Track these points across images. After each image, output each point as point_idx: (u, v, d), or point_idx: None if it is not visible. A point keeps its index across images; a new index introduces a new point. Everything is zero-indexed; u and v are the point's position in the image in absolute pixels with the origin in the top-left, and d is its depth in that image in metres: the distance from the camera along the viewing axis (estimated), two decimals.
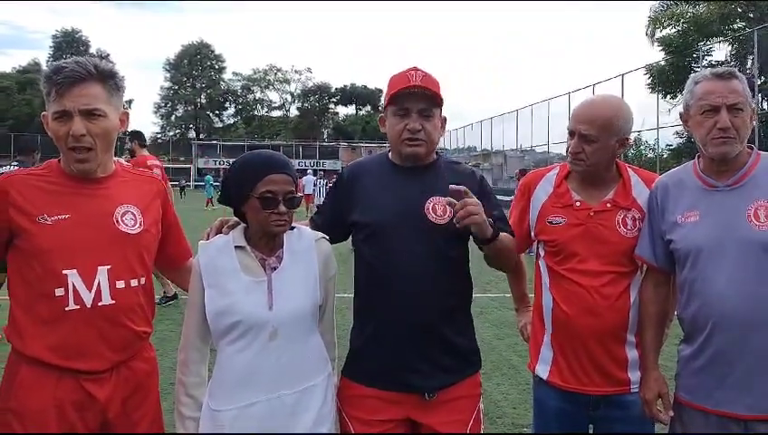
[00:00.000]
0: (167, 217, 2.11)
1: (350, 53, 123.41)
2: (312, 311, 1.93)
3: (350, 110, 67.97)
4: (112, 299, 1.83)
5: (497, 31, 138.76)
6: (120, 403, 1.88)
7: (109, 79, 1.86)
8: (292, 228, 1.96)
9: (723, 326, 1.87)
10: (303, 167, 41.84)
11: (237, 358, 1.82)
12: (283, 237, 1.94)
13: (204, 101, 64.99)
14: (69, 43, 57.62)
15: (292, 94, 66.49)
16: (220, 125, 66.13)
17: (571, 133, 2.14)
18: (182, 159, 56.24)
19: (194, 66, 63.99)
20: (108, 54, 59.29)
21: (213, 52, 64.92)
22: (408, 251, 2.03)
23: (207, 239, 1.98)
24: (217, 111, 66.54)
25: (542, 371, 2.23)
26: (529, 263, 2.43)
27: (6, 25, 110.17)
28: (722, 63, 20.54)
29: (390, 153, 2.19)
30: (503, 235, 2.05)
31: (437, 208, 2.06)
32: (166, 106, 65.09)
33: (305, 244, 1.97)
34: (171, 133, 64.88)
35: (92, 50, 57.57)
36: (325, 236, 2.04)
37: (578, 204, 2.19)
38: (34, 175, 1.88)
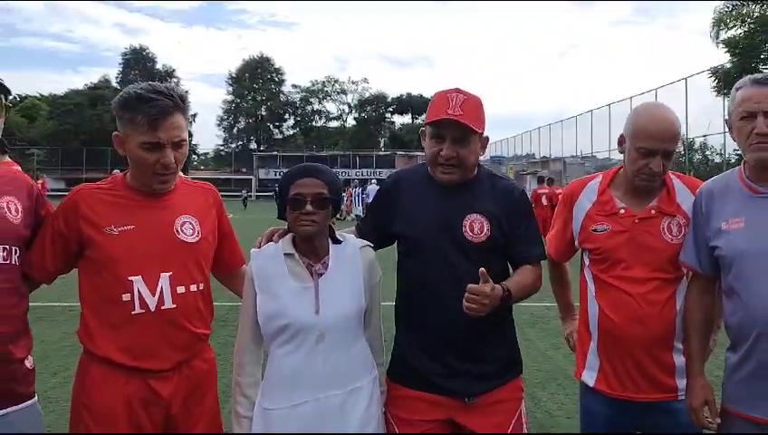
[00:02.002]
0: (222, 226, 2.23)
1: (405, 62, 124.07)
2: (357, 316, 2.00)
3: (407, 119, 68.32)
4: (174, 303, 1.97)
5: (557, 35, 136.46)
6: (182, 400, 2.01)
7: (186, 105, 2.01)
8: (338, 240, 2.05)
9: (767, 335, 1.84)
10: (365, 177, 42.31)
11: (287, 360, 1.92)
12: (329, 245, 2.03)
13: (264, 113, 66.66)
14: (137, 60, 60.44)
15: (349, 105, 67.44)
16: (280, 136, 67.64)
17: (650, 153, 2.09)
18: (244, 170, 57.92)
19: (254, 80, 65.79)
20: (173, 70, 61.92)
21: (273, 65, 66.65)
22: (446, 267, 2.08)
23: (260, 247, 2.09)
24: (277, 123, 68.11)
25: (589, 378, 2.24)
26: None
27: (80, 44, 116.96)
28: None
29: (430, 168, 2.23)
30: (514, 290, 2.06)
31: (474, 226, 2.11)
32: (228, 119, 67.09)
33: (350, 251, 2.06)
34: (233, 145, 66.91)
35: (158, 66, 60.26)
36: (369, 244, 2.12)
37: (622, 211, 2.19)
38: (102, 189, 2.04)
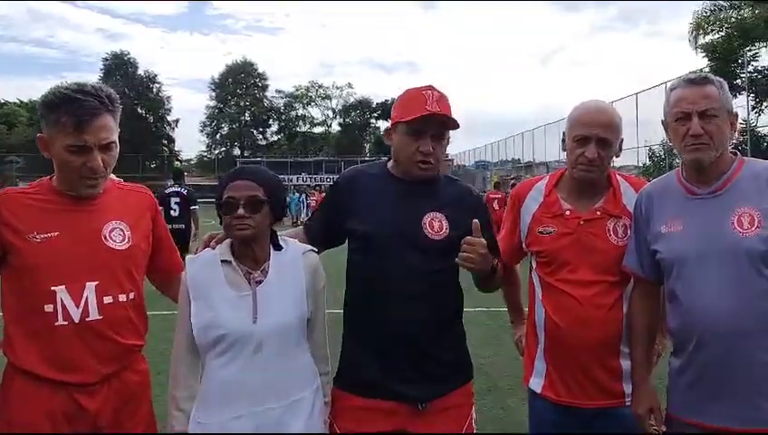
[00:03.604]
0: (157, 232, 2.16)
1: (390, 67, 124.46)
2: (298, 324, 1.94)
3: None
4: (100, 314, 1.89)
5: (540, 40, 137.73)
6: (112, 413, 1.93)
7: (115, 106, 1.93)
8: (279, 247, 1.98)
9: (709, 338, 1.81)
10: None
11: (223, 371, 1.85)
12: (270, 251, 1.97)
13: (248, 118, 66.35)
14: (118, 65, 59.82)
15: (333, 110, 67.07)
16: (264, 142, 67.38)
17: (584, 139, 2.08)
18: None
19: (238, 85, 65.42)
20: (155, 75, 61.39)
21: (256, 70, 66.38)
22: (403, 265, 2.04)
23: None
24: (261, 129, 67.72)
25: (536, 384, 2.20)
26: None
27: (61, 50, 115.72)
28: None
29: (390, 165, 2.20)
30: (498, 269, 2.08)
31: (434, 224, 2.07)
32: (211, 125, 66.64)
33: (291, 257, 1.99)
34: (217, 151, 66.51)
35: (140, 71, 59.70)
36: (313, 248, 2.06)
37: (568, 213, 2.16)
38: (26, 193, 1.95)
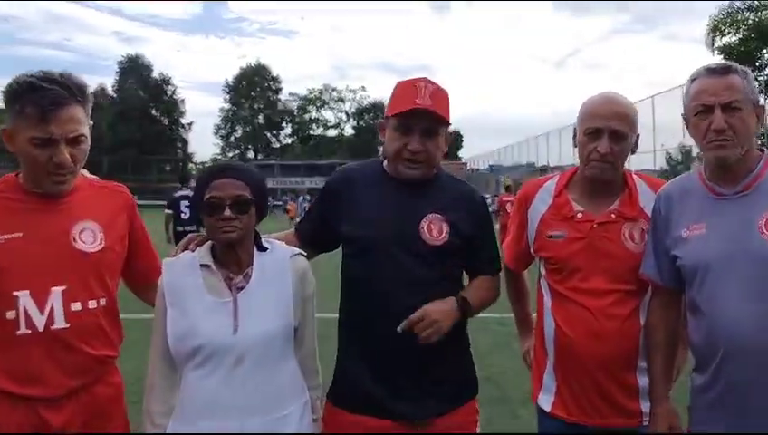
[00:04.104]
0: (135, 233, 2.00)
1: (404, 70, 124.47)
2: (283, 334, 1.78)
3: None
4: (67, 322, 1.74)
5: (555, 44, 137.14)
6: (81, 428, 1.78)
7: (85, 95, 1.78)
8: (264, 248, 1.83)
9: (735, 353, 1.64)
10: None
11: (201, 385, 1.70)
12: (254, 254, 1.81)
13: (261, 121, 66.66)
14: (133, 68, 60.35)
15: (347, 113, 67.17)
16: (277, 145, 67.65)
17: (596, 132, 1.91)
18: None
19: (252, 88, 65.79)
20: (170, 78, 61.86)
21: (270, 73, 66.68)
22: (399, 270, 1.88)
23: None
24: (275, 131, 68.04)
25: (545, 402, 2.03)
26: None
27: (78, 53, 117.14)
28: None
29: (386, 163, 2.04)
30: (472, 301, 1.95)
31: (433, 228, 1.91)
32: (225, 127, 67.07)
33: (277, 261, 1.83)
34: (231, 154, 66.79)
35: (155, 74, 60.14)
36: (302, 252, 1.90)
37: (579, 215, 1.98)
38: None
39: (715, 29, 22.71)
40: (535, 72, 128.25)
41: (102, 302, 1.83)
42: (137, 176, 44.88)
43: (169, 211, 9.32)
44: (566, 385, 1.97)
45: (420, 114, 1.88)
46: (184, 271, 1.78)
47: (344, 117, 67.40)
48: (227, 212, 1.71)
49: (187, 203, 9.03)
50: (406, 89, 1.92)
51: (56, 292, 1.73)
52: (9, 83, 1.73)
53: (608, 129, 1.90)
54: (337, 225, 2.00)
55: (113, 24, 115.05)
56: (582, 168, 2.00)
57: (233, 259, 1.78)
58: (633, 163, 2.10)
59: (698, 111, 1.75)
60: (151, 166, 51.17)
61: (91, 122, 1.85)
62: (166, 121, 61.86)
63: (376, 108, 65.21)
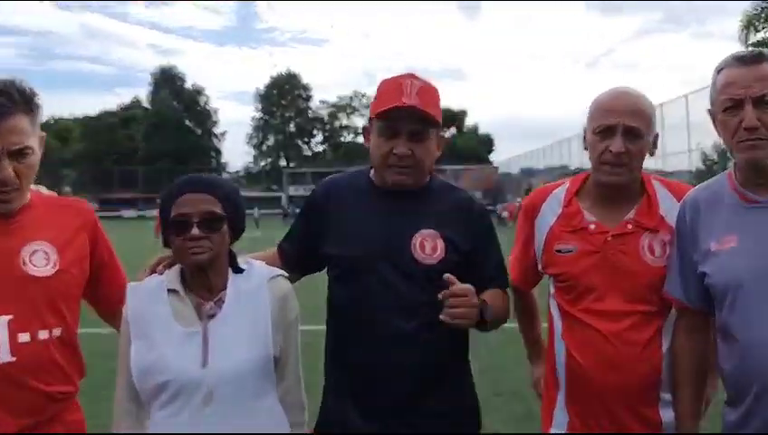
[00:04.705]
0: (98, 254, 1.82)
1: (435, 75, 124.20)
2: (260, 367, 1.57)
3: None
4: (12, 355, 1.55)
5: (586, 45, 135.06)
6: None
7: (32, 104, 1.61)
8: (240, 270, 1.64)
9: None
10: None
11: (167, 426, 1.51)
12: (228, 277, 1.62)
13: (293, 129, 67.29)
14: (166, 79, 61.61)
15: None
16: (309, 153, 68.18)
17: (608, 130, 1.69)
18: (275, 187, 58.23)
19: (282, 96, 66.51)
20: (203, 89, 62.98)
21: (300, 81, 67.31)
22: (388, 294, 1.69)
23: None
24: (306, 139, 68.68)
25: None
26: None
27: (115, 66, 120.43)
28: None
29: (373, 173, 1.85)
30: (493, 310, 1.69)
31: (426, 245, 1.70)
32: (257, 136, 67.90)
33: (254, 284, 1.63)
34: (263, 163, 67.57)
35: (188, 84, 61.27)
36: (283, 273, 1.70)
37: (592, 226, 1.76)
38: None
39: (749, 25, 22.04)
40: (567, 73, 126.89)
41: (56, 332, 1.65)
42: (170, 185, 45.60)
43: None
44: (579, 420, 1.74)
45: (407, 114, 1.68)
46: (150, 298, 1.60)
47: None
48: (195, 231, 1.52)
49: None
50: (390, 87, 1.73)
51: (2, 321, 1.55)
52: None
53: (621, 125, 1.67)
54: (320, 244, 1.81)
55: (149, 37, 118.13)
56: (594, 173, 1.78)
57: (203, 284, 1.60)
58: (668, 164, 1.84)
59: (726, 107, 1.52)
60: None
61: (43, 134, 1.68)
62: (199, 132, 63.06)
63: None
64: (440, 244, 1.71)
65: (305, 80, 66.99)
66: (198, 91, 62.95)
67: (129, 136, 60.13)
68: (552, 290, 1.86)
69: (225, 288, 1.61)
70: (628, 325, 1.68)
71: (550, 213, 1.84)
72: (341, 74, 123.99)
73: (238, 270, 1.64)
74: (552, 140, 41.24)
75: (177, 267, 1.64)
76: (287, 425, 1.63)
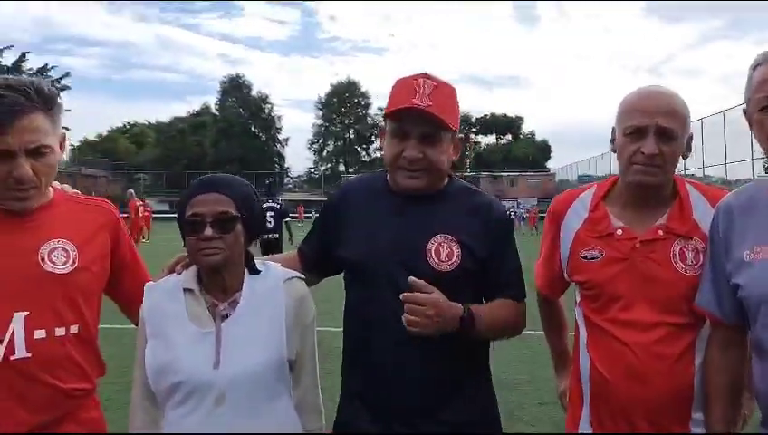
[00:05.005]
0: (119, 252, 1.82)
1: (493, 82, 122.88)
2: (274, 369, 1.55)
3: (491, 139, 67.92)
4: (28, 352, 1.55)
5: (646, 51, 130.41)
6: None
7: (51, 103, 1.61)
8: (256, 271, 1.62)
9: None
10: None
11: (180, 426, 1.50)
12: (244, 278, 1.61)
13: (352, 136, 68.03)
14: (233, 87, 63.59)
15: None
16: (367, 159, 68.72)
17: (639, 131, 1.59)
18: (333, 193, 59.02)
19: (342, 104, 67.38)
20: (267, 96, 64.60)
21: (359, 89, 68.01)
22: (401, 304, 1.60)
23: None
24: (364, 145, 69.27)
25: None
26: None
27: (187, 75, 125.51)
28: None
29: (389, 176, 1.79)
30: (482, 316, 1.61)
31: (441, 251, 1.64)
32: (318, 142, 69.04)
33: (270, 285, 1.61)
34: (323, 168, 68.60)
35: (254, 92, 63.00)
36: (299, 275, 1.67)
37: (619, 232, 1.66)
38: None
39: None
40: (627, 81, 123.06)
41: (73, 329, 1.65)
42: None
43: None
44: None
45: (416, 116, 1.62)
46: (166, 297, 1.60)
47: None
48: (209, 231, 1.51)
49: (272, 213, 10.02)
50: (403, 86, 1.67)
51: (18, 317, 1.55)
52: None
53: (654, 126, 1.57)
54: (336, 247, 1.77)
55: (219, 48, 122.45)
56: (623, 175, 1.68)
57: (218, 284, 1.59)
58: (732, 173, 1.72)
59: (763, 106, 1.41)
60: (251, 180, 53.52)
61: (64, 131, 1.69)
62: (264, 137, 64.65)
63: (462, 120, 65.05)
64: (456, 250, 1.64)
65: (364, 87, 67.66)
66: (263, 99, 64.63)
67: (199, 141, 62.29)
68: (578, 298, 1.77)
69: (241, 289, 1.59)
70: (658, 337, 1.58)
71: (575, 218, 1.75)
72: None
73: (255, 271, 1.63)
74: (609, 147, 40.02)
75: (194, 267, 1.64)
76: (300, 430, 1.61)
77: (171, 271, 1.68)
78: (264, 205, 10.31)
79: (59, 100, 1.64)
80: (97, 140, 69.49)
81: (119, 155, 64.41)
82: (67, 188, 1.83)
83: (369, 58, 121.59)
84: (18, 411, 1.55)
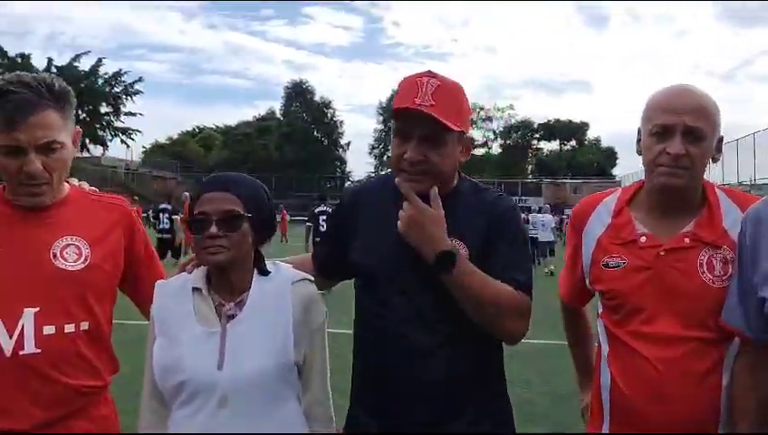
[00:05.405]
0: (134, 250, 1.82)
1: (558, 87, 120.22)
2: (278, 373, 1.52)
3: (554, 145, 66.66)
4: (37, 348, 1.56)
5: (721, 57, 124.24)
6: None
7: (62, 100, 1.62)
8: (266, 272, 1.60)
9: None
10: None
11: (185, 426, 1.49)
12: (253, 278, 1.58)
13: None
14: (297, 92, 64.99)
15: (494, 132, 66.92)
16: None
17: (665, 131, 1.50)
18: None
19: None
20: (330, 102, 65.66)
21: None
22: (409, 307, 1.58)
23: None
24: None
25: None
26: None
27: (255, 80, 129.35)
28: None
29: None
30: (467, 270, 1.50)
31: None
32: (379, 147, 69.53)
33: (278, 287, 1.58)
34: (383, 172, 69.08)
35: (317, 97, 64.17)
36: (308, 276, 1.63)
37: (643, 239, 1.56)
38: None
39: None
40: (700, 86, 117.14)
41: (84, 326, 1.65)
42: (300, 193, 48.01)
43: (309, 224, 10.75)
44: None
45: (416, 117, 1.54)
46: (175, 296, 1.59)
47: (491, 135, 67.46)
48: (214, 229, 1.49)
49: (324, 217, 10.26)
50: (407, 85, 1.60)
51: (28, 313, 1.57)
52: None
53: (681, 125, 1.47)
54: (345, 250, 1.73)
55: (285, 54, 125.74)
56: (649, 178, 1.58)
57: (225, 284, 1.57)
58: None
59: None
60: (313, 184, 54.44)
61: (77, 129, 1.70)
62: (326, 142, 65.74)
63: (524, 126, 64.09)
64: (465, 253, 1.56)
65: None
66: (326, 105, 65.70)
67: (264, 145, 64.01)
68: (600, 309, 1.67)
69: (249, 289, 1.57)
70: (682, 353, 1.47)
71: (598, 223, 1.66)
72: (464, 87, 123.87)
73: (264, 272, 1.61)
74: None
75: (204, 267, 1.62)
76: (308, 430, 1.57)
77: (182, 270, 1.67)
78: (317, 208, 10.82)
79: (71, 97, 1.65)
80: (167, 143, 72.40)
81: (188, 158, 66.94)
82: (84, 185, 1.85)
83: (432, 64, 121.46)
84: (28, 407, 1.56)
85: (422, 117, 1.53)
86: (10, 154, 1.55)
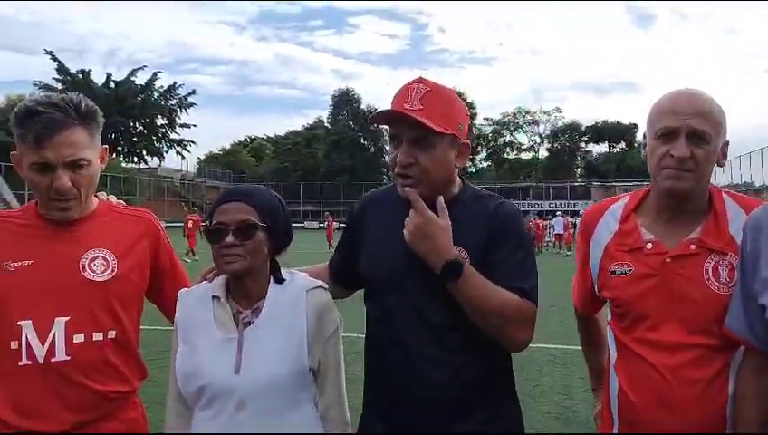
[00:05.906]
0: (159, 261, 1.91)
1: (605, 88, 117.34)
2: (293, 379, 1.57)
3: (603, 147, 65.43)
4: (67, 355, 1.66)
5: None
6: None
7: (89, 118, 1.72)
8: (282, 280, 1.66)
9: None
10: (553, 208, 40.67)
11: (204, 429, 1.57)
12: (270, 286, 1.65)
13: None
14: (344, 101, 65.68)
15: (540, 135, 66.21)
16: (473, 169, 68.19)
17: (670, 133, 1.50)
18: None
19: None
20: (376, 109, 65.99)
21: (465, 99, 67.68)
22: (414, 316, 1.59)
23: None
24: (470, 156, 68.85)
25: None
26: None
27: (303, 90, 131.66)
28: None
29: None
30: (474, 280, 1.51)
31: None
32: None
33: (293, 294, 1.63)
34: None
35: (363, 106, 64.64)
36: (323, 284, 1.68)
37: (649, 246, 1.57)
38: (11, 217, 1.79)
39: None
40: (751, 85, 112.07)
41: (111, 334, 1.74)
42: (348, 200, 48.50)
43: None
44: None
45: (404, 120, 1.57)
46: (196, 303, 1.67)
47: (538, 139, 66.76)
48: (230, 238, 1.56)
49: None
50: (399, 92, 1.63)
51: (59, 322, 1.66)
52: (15, 109, 1.72)
53: (685, 128, 1.48)
54: (355, 260, 1.77)
55: (331, 63, 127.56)
56: (654, 182, 1.58)
57: (242, 292, 1.64)
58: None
59: None
60: (361, 191, 55.10)
61: (104, 146, 1.79)
62: (372, 149, 66.14)
63: (571, 129, 62.94)
64: (466, 260, 1.56)
65: (470, 98, 67.19)
66: (373, 112, 66.31)
67: (312, 153, 64.96)
68: (609, 316, 1.69)
69: (265, 297, 1.63)
70: (688, 360, 1.48)
71: (605, 230, 1.67)
72: (508, 92, 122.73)
73: (280, 280, 1.66)
74: (732, 156, 36.90)
75: (224, 275, 1.68)
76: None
77: (204, 278, 1.73)
78: None
79: (98, 116, 1.75)
80: (221, 153, 74.47)
81: (240, 167, 68.59)
82: (112, 198, 1.96)
83: (477, 69, 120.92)
84: (59, 411, 1.65)
85: (409, 121, 1.56)
86: (40, 171, 1.65)
